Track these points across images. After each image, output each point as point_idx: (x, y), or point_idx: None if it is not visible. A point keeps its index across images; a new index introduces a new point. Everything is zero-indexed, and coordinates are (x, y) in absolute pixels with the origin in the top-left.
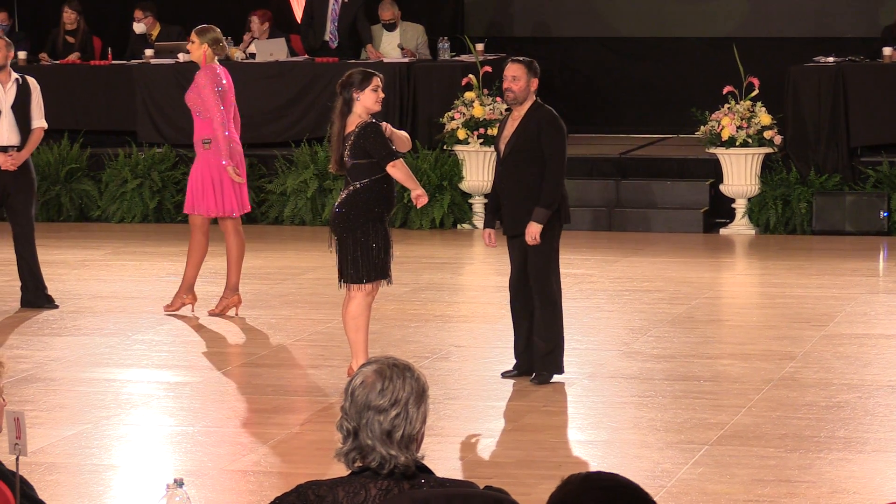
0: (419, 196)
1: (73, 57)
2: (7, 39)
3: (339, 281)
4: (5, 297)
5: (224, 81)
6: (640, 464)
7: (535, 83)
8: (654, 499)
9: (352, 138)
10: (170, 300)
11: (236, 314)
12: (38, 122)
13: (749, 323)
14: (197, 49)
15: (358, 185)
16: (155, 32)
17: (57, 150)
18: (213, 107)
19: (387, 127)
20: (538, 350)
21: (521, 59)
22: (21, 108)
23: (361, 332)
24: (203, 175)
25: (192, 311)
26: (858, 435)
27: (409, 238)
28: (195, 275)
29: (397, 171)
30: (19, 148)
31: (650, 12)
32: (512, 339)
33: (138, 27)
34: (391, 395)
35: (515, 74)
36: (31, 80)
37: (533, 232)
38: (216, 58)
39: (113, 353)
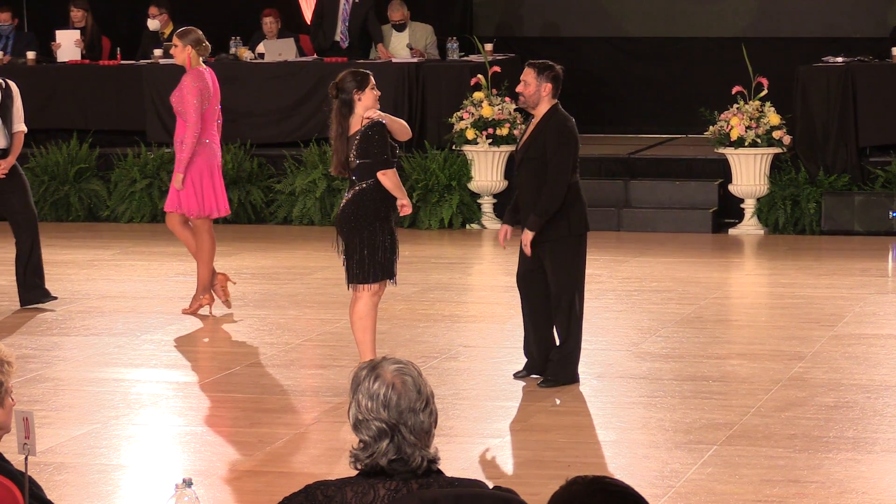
0: (404, 206)
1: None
2: None
3: (347, 281)
4: (14, 297)
5: (210, 84)
6: (649, 464)
7: (547, 87)
8: (664, 499)
9: (357, 138)
10: (181, 301)
11: (228, 296)
12: (19, 125)
13: (758, 323)
14: (181, 52)
15: (364, 185)
16: (167, 31)
17: (66, 149)
18: (191, 113)
19: (384, 116)
20: (552, 358)
21: (534, 62)
22: (6, 112)
23: (369, 332)
24: (189, 175)
25: (210, 311)
26: (867, 435)
27: (418, 238)
28: (209, 275)
29: (387, 179)
30: (5, 153)
31: (659, 12)
32: (521, 338)
33: (152, 24)
34: (426, 395)
35: (525, 80)
36: (12, 84)
37: (524, 240)
38: (201, 59)
39: (122, 352)
